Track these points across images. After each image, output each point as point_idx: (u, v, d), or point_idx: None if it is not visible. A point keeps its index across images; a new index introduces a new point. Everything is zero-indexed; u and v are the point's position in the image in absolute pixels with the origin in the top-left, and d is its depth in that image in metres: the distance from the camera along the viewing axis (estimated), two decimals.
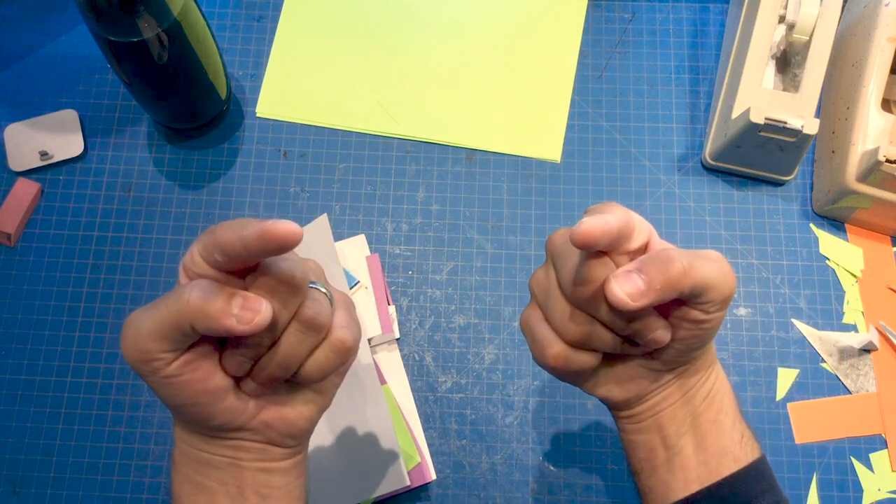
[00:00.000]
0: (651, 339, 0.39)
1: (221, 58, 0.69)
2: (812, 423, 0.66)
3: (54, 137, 0.72)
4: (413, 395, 0.66)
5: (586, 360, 0.40)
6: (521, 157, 0.74)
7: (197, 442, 0.40)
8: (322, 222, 0.69)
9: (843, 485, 0.64)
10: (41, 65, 0.76)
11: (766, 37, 0.69)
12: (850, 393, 0.67)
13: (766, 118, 0.64)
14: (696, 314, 0.38)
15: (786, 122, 0.64)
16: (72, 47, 0.76)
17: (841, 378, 0.67)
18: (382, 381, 0.66)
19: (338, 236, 0.70)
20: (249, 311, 0.35)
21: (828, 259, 0.70)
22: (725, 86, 0.72)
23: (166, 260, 0.70)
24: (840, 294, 0.70)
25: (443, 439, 0.66)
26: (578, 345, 0.40)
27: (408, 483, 0.61)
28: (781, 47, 0.71)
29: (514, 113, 0.75)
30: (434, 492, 0.64)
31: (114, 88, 0.75)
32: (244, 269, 0.36)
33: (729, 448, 0.42)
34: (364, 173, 0.73)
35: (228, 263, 0.35)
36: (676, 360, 0.41)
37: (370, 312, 0.67)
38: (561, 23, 0.78)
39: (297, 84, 0.76)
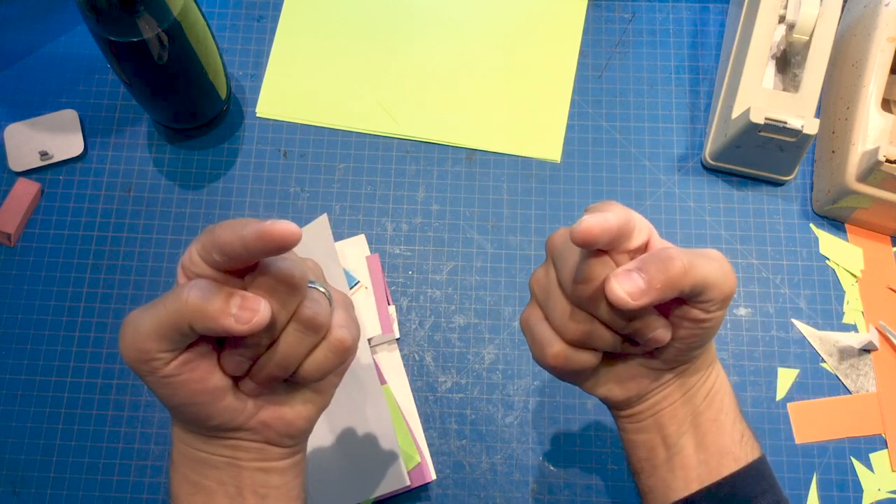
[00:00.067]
0: (651, 339, 0.39)
1: (221, 58, 0.69)
2: (812, 423, 0.66)
3: (54, 137, 0.72)
4: (413, 395, 0.66)
5: (586, 359, 0.40)
6: (521, 157, 0.74)
7: (195, 441, 0.40)
8: (322, 222, 0.69)
9: (843, 485, 0.64)
10: (41, 65, 0.76)
11: (766, 37, 0.69)
12: (850, 393, 0.67)
13: (766, 118, 0.64)
14: (696, 313, 0.38)
15: (786, 122, 0.63)
16: (72, 47, 0.76)
17: (841, 378, 0.67)
18: (382, 381, 0.66)
19: (338, 236, 0.70)
20: (248, 310, 0.35)
21: (828, 259, 0.70)
22: (725, 86, 0.72)
23: (166, 260, 0.70)
24: (840, 294, 0.69)
25: (443, 439, 0.66)
26: (578, 344, 0.40)
27: (408, 483, 0.61)
28: (781, 47, 0.71)
29: (514, 113, 0.75)
30: (434, 492, 0.64)
31: (114, 88, 0.75)
32: (243, 269, 0.36)
33: (729, 447, 0.42)
34: (364, 173, 0.73)
35: (227, 263, 0.35)
36: (677, 359, 0.41)
37: (370, 312, 0.67)
38: (561, 23, 0.78)
39: (297, 84, 0.76)
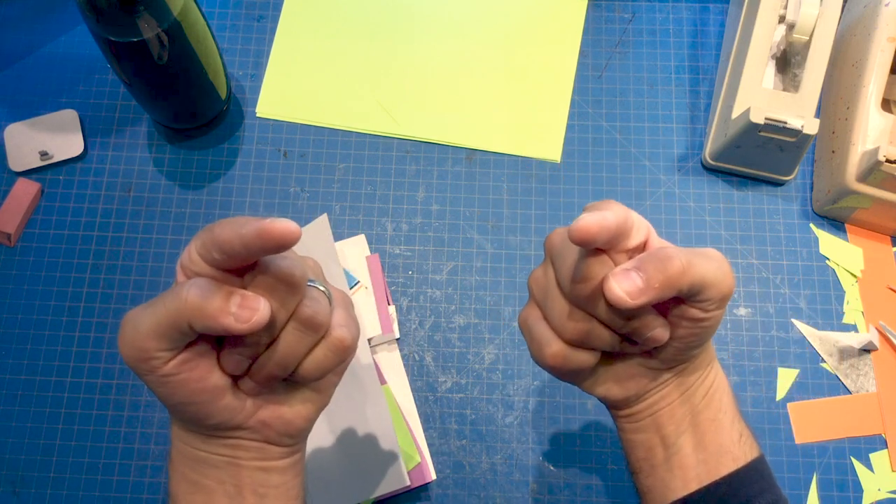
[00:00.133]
0: (650, 338, 0.39)
1: (221, 58, 0.69)
2: (812, 423, 0.66)
3: (54, 137, 0.72)
4: (413, 395, 0.66)
5: (585, 358, 0.40)
6: (521, 157, 0.74)
7: (194, 441, 0.40)
8: (322, 222, 0.69)
9: (843, 485, 0.64)
10: (41, 65, 0.76)
11: (766, 37, 0.69)
12: (850, 393, 0.67)
13: (766, 118, 0.64)
14: (694, 312, 0.38)
15: (786, 122, 0.63)
16: (72, 47, 0.77)
17: (841, 378, 0.67)
18: (382, 381, 0.66)
19: (338, 236, 0.70)
20: (248, 309, 0.34)
21: (828, 259, 0.70)
22: (725, 86, 0.72)
23: (166, 260, 0.70)
24: (840, 294, 0.69)
25: (443, 439, 0.66)
26: (577, 343, 0.40)
27: (408, 483, 0.61)
28: (781, 47, 0.71)
29: (514, 113, 0.75)
30: (434, 492, 0.64)
31: (114, 88, 0.75)
32: (242, 268, 0.36)
33: (728, 447, 0.42)
34: (364, 173, 0.73)
35: (227, 262, 0.35)
36: (675, 358, 0.41)
37: (370, 312, 0.67)
38: (561, 23, 0.78)
39: (297, 84, 0.76)
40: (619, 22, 0.78)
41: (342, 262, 0.68)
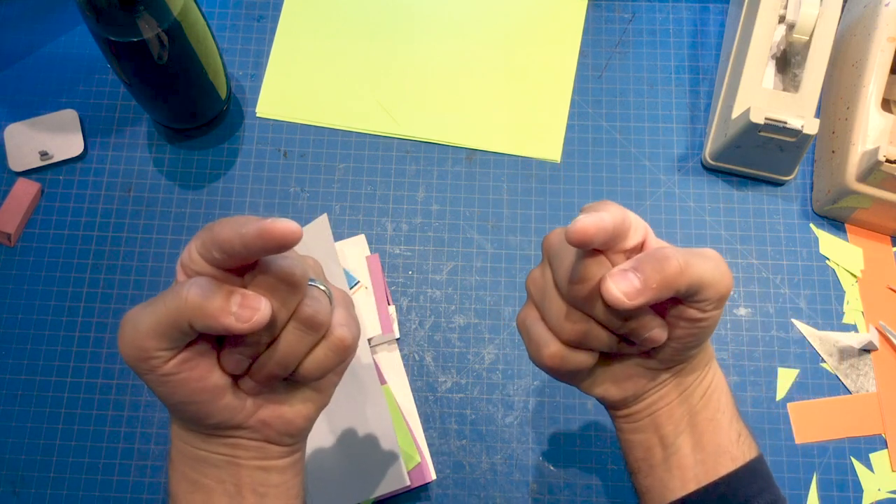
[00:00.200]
0: (647, 338, 0.39)
1: (221, 58, 0.69)
2: (812, 423, 0.66)
3: (54, 137, 0.72)
4: (413, 395, 0.66)
5: (583, 359, 0.40)
6: (521, 157, 0.74)
7: (194, 440, 0.40)
8: (322, 222, 0.69)
9: (843, 485, 0.64)
10: (41, 65, 0.76)
11: (766, 37, 0.69)
12: (850, 393, 0.67)
13: (766, 118, 0.64)
14: (692, 313, 0.38)
15: (786, 122, 0.63)
16: (72, 47, 0.77)
17: (841, 378, 0.67)
18: (382, 381, 0.66)
19: (338, 236, 0.70)
20: (248, 309, 0.34)
21: (828, 259, 0.70)
22: (725, 86, 0.72)
23: (166, 260, 0.70)
24: (840, 294, 0.69)
25: (443, 439, 0.66)
26: (575, 344, 0.40)
27: (408, 483, 0.61)
28: (781, 47, 0.71)
29: (514, 113, 0.75)
30: (434, 492, 0.64)
31: (114, 88, 0.75)
32: (242, 267, 0.36)
33: (726, 447, 0.42)
34: (364, 173, 0.73)
35: (227, 261, 0.35)
36: (673, 358, 0.41)
37: (370, 312, 0.67)
38: (561, 23, 0.78)
39: (297, 84, 0.76)
40: (619, 22, 0.78)
41: (342, 262, 0.68)
